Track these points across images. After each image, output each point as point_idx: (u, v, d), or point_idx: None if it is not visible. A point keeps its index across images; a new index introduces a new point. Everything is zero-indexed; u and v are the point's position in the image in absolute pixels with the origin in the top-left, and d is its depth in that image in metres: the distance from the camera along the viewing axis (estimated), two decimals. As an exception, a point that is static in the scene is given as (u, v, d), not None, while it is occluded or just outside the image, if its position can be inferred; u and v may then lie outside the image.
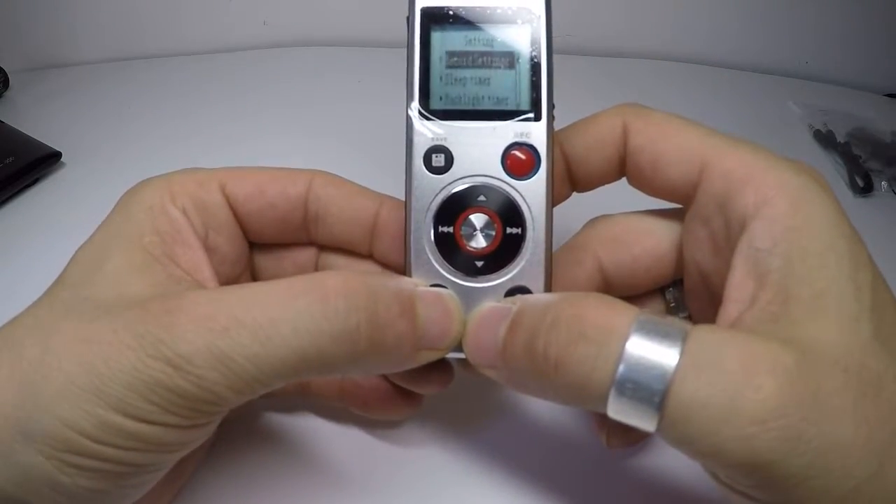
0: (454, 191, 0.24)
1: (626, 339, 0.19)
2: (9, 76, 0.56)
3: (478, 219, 0.24)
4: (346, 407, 0.29)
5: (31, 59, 0.60)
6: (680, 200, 0.25)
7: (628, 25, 0.64)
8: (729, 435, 0.17)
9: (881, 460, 0.18)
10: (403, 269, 0.24)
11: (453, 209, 0.24)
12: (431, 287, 0.24)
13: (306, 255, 0.28)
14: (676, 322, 0.19)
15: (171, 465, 0.22)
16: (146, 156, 0.49)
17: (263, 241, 0.28)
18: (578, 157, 0.25)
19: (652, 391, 0.18)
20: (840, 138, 0.53)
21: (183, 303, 0.20)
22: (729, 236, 0.22)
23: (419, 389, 0.27)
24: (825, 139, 0.53)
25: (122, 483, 0.20)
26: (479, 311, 0.23)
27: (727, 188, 0.22)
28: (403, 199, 0.24)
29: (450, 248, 0.24)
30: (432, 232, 0.24)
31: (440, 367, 0.25)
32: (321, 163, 0.28)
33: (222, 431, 0.26)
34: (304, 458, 0.29)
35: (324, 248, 0.28)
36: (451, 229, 0.24)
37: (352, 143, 0.47)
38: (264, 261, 0.28)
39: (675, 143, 0.23)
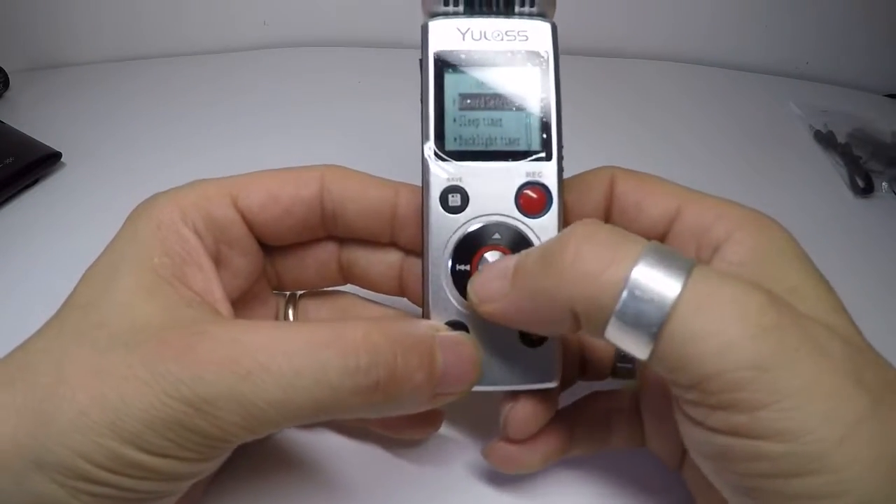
0: (470, 230, 0.24)
1: (643, 243, 0.20)
2: (9, 76, 0.56)
3: (493, 256, 0.24)
4: (365, 425, 0.29)
5: (31, 59, 0.60)
6: (656, 237, 0.26)
7: (629, 26, 0.64)
8: (734, 334, 0.18)
9: (878, 410, 0.18)
10: (422, 300, 0.25)
11: (469, 247, 0.24)
12: (451, 326, 0.24)
13: (327, 251, 0.28)
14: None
15: (184, 490, 0.22)
16: (146, 156, 0.49)
17: (281, 244, 0.28)
18: (571, 203, 0.26)
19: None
20: (840, 139, 0.53)
21: (203, 339, 0.20)
22: (699, 259, 0.24)
23: (402, 435, 0.28)
24: (826, 140, 0.53)
25: None
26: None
27: (702, 222, 0.25)
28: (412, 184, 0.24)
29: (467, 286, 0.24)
30: (450, 270, 0.24)
31: (427, 416, 0.25)
32: (321, 163, 0.27)
33: (237, 447, 0.26)
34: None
35: (344, 241, 0.28)
36: (467, 267, 0.24)
37: (351, 143, 0.47)
38: (285, 262, 0.28)
39: (656, 188, 0.26)
